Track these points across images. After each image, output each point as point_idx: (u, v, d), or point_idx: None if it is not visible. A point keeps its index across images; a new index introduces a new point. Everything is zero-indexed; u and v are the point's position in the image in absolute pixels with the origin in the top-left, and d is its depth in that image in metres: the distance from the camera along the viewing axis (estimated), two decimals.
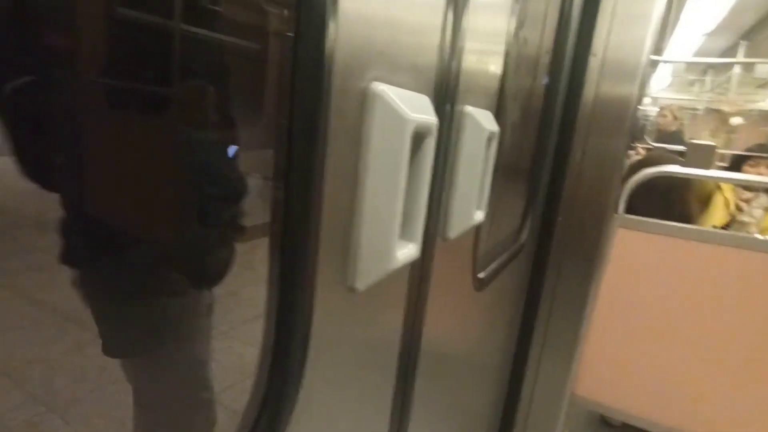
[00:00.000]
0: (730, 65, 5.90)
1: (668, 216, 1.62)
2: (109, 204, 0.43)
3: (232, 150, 0.54)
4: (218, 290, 0.53)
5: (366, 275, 0.39)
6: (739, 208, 2.28)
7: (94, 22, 0.34)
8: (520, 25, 0.79)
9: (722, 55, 7.30)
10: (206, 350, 0.67)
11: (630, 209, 1.60)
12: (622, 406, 1.69)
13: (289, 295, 0.33)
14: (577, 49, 1.15)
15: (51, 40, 0.38)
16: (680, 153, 2.76)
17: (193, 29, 0.36)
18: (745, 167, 2.55)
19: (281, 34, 0.33)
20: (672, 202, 1.89)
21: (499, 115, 0.70)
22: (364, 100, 0.37)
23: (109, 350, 0.64)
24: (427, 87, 0.48)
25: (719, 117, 5.89)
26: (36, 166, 0.42)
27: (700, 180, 2.01)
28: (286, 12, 0.33)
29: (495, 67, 0.70)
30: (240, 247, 0.50)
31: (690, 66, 7.70)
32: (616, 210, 1.45)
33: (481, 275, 0.80)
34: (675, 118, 4.36)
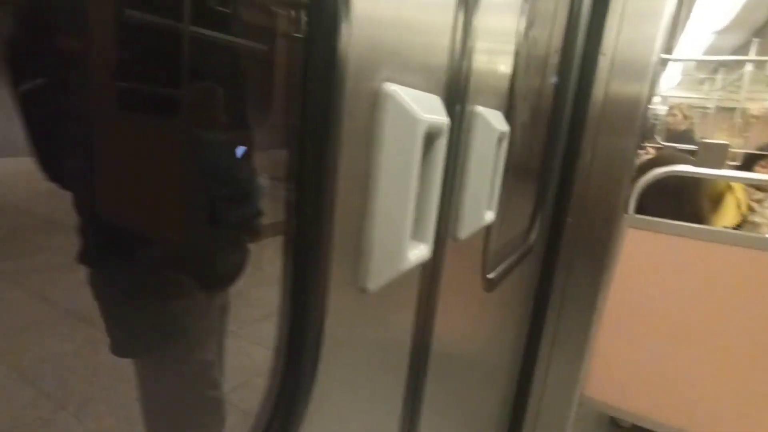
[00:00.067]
0: (742, 63, 5.82)
1: (679, 216, 1.60)
2: (124, 205, 0.43)
3: (243, 151, 0.54)
4: (232, 291, 0.54)
5: (378, 276, 0.39)
6: (750, 209, 2.25)
7: (113, 25, 0.34)
8: (530, 25, 0.78)
9: (734, 53, 7.21)
10: (217, 351, 0.67)
11: (640, 209, 1.58)
12: (632, 408, 1.68)
13: (302, 295, 0.33)
14: (586, 48, 1.14)
15: (70, 44, 0.39)
16: (691, 152, 2.73)
17: (207, 32, 0.37)
18: (757, 167, 2.51)
19: (294, 36, 0.33)
20: (683, 202, 1.87)
21: (509, 115, 0.69)
22: (375, 101, 0.37)
23: (118, 350, 0.64)
24: (438, 87, 0.48)
25: (740, 116, 5.78)
26: (54, 167, 0.42)
27: (712, 180, 1.98)
28: (299, 14, 0.33)
29: (505, 67, 0.70)
30: (250, 248, 0.50)
31: (700, 64, 7.61)
32: (626, 210, 1.44)
33: (490, 276, 0.80)
34: (685, 117, 4.31)
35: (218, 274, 0.56)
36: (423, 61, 0.44)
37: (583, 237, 1.24)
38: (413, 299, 0.52)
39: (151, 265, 0.57)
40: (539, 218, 1.14)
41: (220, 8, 0.38)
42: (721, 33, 6.37)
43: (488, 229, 0.73)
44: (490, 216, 0.66)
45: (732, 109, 6.21)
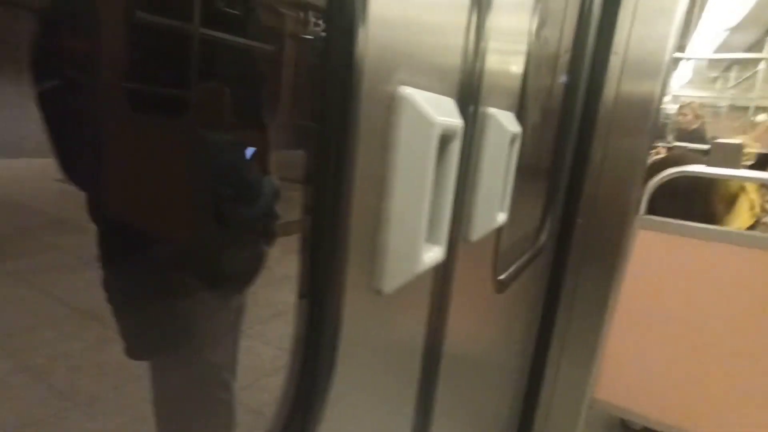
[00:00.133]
0: (756, 61, 5.73)
1: (691, 217, 1.58)
2: (145, 206, 0.44)
3: (256, 153, 0.54)
4: (248, 292, 0.54)
5: (393, 278, 0.39)
6: (764, 210, 2.21)
7: (138, 30, 0.35)
8: (541, 25, 0.78)
9: (746, 51, 7.09)
10: (230, 352, 0.68)
11: (651, 210, 1.56)
12: (643, 411, 1.66)
13: (320, 297, 0.33)
14: (597, 47, 1.13)
15: (92, 48, 0.40)
16: (704, 152, 2.70)
17: (229, 36, 0.37)
18: None
19: (312, 39, 0.33)
20: (695, 202, 1.84)
21: (520, 116, 0.69)
22: (391, 104, 0.37)
23: (132, 352, 0.65)
24: (451, 89, 0.48)
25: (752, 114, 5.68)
26: (75, 168, 0.43)
27: (725, 180, 1.95)
28: (316, 17, 0.33)
29: (517, 67, 0.70)
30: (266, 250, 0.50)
31: (712, 62, 7.50)
32: (637, 211, 1.43)
33: (501, 277, 0.80)
34: (696, 116, 4.25)
35: (235, 274, 0.56)
36: (437, 63, 0.44)
37: (594, 238, 1.24)
38: (426, 301, 0.52)
39: (166, 267, 0.58)
40: (549, 219, 1.13)
41: (242, 13, 0.38)
42: (733, 30, 6.28)
43: (499, 230, 0.72)
44: (502, 217, 0.65)
45: (745, 108, 6.12)
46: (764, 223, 2.18)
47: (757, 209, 2.16)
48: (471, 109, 0.53)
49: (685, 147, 3.36)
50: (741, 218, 2.08)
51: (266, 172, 0.61)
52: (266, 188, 0.60)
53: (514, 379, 1.23)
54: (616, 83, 1.16)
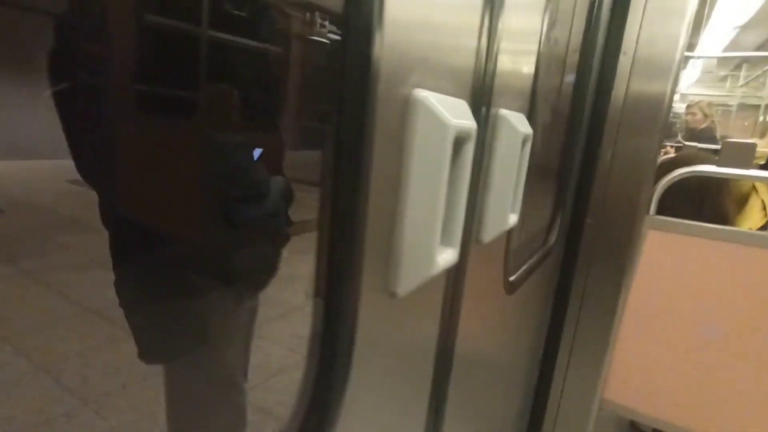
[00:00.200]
0: (766, 59, 5.66)
1: (701, 218, 1.57)
2: (162, 207, 0.44)
3: (270, 154, 0.55)
4: (261, 294, 0.54)
5: (407, 280, 0.39)
6: None
7: (156, 34, 0.35)
8: (552, 25, 0.78)
9: (757, 50, 7.01)
10: (243, 354, 0.68)
11: (661, 210, 1.55)
12: (653, 412, 1.65)
13: (335, 300, 0.34)
14: (606, 46, 1.13)
15: (101, 50, 0.40)
16: (714, 151, 2.67)
17: (246, 40, 0.37)
18: None
19: (329, 43, 0.33)
20: (705, 203, 1.82)
21: (531, 117, 0.69)
22: (406, 107, 0.37)
23: (146, 357, 0.65)
24: (464, 91, 0.48)
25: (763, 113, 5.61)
26: (91, 168, 0.43)
27: (736, 180, 1.93)
28: (331, 20, 0.33)
29: (528, 68, 0.69)
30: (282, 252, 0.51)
31: (721, 61, 7.42)
32: (647, 211, 1.42)
33: (512, 278, 0.80)
34: (705, 115, 4.21)
35: (247, 275, 0.56)
36: (450, 65, 0.44)
37: (603, 238, 1.23)
38: (438, 303, 0.52)
39: (178, 268, 0.58)
40: (559, 219, 1.13)
41: (255, 16, 0.39)
42: (743, 29, 6.21)
43: (510, 231, 0.72)
44: (513, 219, 0.65)
45: (756, 107, 6.04)
46: None
47: None
48: (483, 110, 0.53)
49: (693, 146, 3.33)
50: (752, 219, 2.06)
51: (276, 173, 0.61)
52: (274, 189, 0.60)
53: (524, 380, 1.23)
54: (626, 83, 1.15)
